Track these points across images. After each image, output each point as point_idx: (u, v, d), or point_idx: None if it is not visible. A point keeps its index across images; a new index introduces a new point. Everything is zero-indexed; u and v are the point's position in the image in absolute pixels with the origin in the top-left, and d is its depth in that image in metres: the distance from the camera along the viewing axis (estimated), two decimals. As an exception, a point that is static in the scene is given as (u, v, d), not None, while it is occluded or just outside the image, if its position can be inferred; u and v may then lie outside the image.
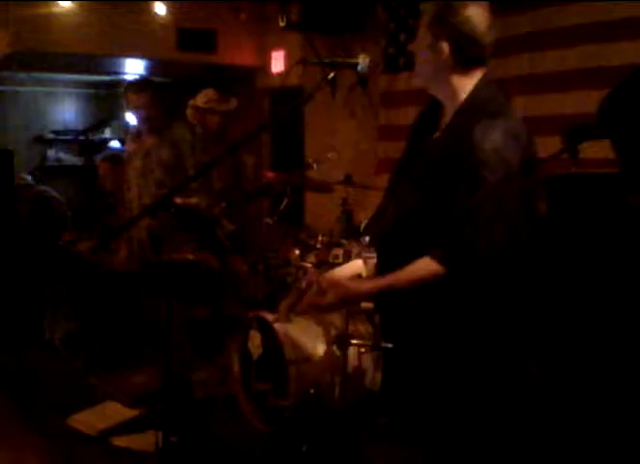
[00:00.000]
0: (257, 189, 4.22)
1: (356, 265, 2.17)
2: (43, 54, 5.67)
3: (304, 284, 2.04)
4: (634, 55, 3.43)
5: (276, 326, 3.15)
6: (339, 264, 2.96)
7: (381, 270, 2.05)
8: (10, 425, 3.54)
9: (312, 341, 3.11)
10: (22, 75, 6.91)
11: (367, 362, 2.95)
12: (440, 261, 1.85)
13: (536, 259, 2.01)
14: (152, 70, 6.58)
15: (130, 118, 4.20)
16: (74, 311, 4.53)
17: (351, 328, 2.78)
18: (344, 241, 3.35)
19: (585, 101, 3.44)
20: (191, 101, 4.14)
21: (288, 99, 5.27)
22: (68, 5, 5.40)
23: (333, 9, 5.17)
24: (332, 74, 2.11)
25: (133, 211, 3.99)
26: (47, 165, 7.23)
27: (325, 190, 4.11)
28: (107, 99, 7.60)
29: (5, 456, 3.20)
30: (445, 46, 1.91)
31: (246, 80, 6.51)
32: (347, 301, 1.99)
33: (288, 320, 2.57)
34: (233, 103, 4.18)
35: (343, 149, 5.15)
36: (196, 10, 5.87)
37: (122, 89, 4.39)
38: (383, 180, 4.94)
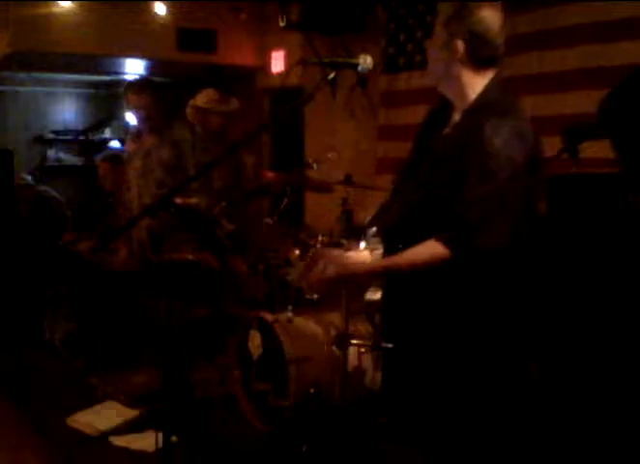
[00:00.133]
0: (257, 189, 4.21)
1: (362, 255, 2.18)
2: (43, 54, 5.67)
3: (309, 259, 2.06)
4: (634, 55, 3.43)
5: (276, 326, 3.15)
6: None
7: None
8: (10, 425, 3.54)
9: (312, 341, 3.11)
10: (22, 75, 6.91)
11: (367, 362, 2.95)
12: (445, 243, 1.84)
13: (536, 259, 2.01)
14: (152, 70, 6.57)
15: (131, 118, 4.20)
16: (74, 311, 4.53)
17: (351, 328, 2.78)
18: (344, 241, 3.35)
19: (585, 101, 3.44)
20: (192, 101, 4.14)
21: (288, 99, 5.27)
22: (68, 5, 5.40)
23: (333, 9, 5.17)
24: (332, 74, 2.10)
25: (133, 211, 3.99)
26: (47, 165, 7.23)
27: (325, 190, 4.10)
28: (107, 99, 7.60)
29: (5, 456, 3.20)
30: (460, 45, 1.94)
31: (246, 80, 6.51)
32: (346, 275, 2.00)
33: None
34: (234, 104, 4.18)
35: (343, 149, 5.15)
36: (196, 10, 5.87)
37: (122, 89, 4.39)
38: (383, 180, 4.97)
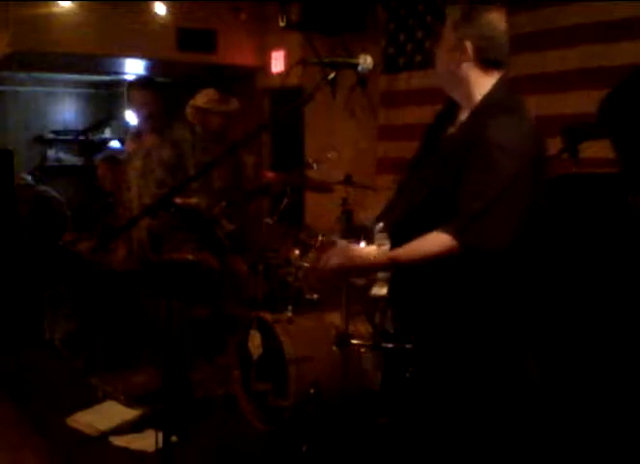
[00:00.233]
0: (257, 189, 4.21)
1: (368, 248, 2.18)
2: (43, 54, 5.67)
3: (318, 250, 2.08)
4: (634, 55, 3.43)
5: (276, 326, 3.15)
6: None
7: None
8: (10, 425, 3.54)
9: (312, 341, 3.11)
10: (22, 75, 6.92)
11: (367, 362, 2.95)
12: (450, 233, 1.86)
13: (536, 258, 2.02)
14: (152, 70, 6.57)
15: (131, 118, 4.20)
16: (74, 311, 4.53)
17: (351, 328, 2.78)
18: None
19: (585, 101, 3.44)
20: (191, 101, 4.14)
21: (288, 99, 5.27)
22: (68, 5, 5.40)
23: (333, 9, 5.17)
24: (332, 74, 2.11)
25: (133, 211, 3.99)
26: (47, 165, 7.24)
27: (325, 190, 4.10)
28: (107, 99, 7.61)
29: (5, 456, 3.20)
30: (469, 46, 1.98)
31: (246, 80, 6.51)
32: (351, 267, 2.02)
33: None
34: (234, 104, 4.17)
35: (343, 149, 5.14)
36: (196, 10, 5.87)
37: (122, 89, 4.40)
38: (383, 180, 4.97)
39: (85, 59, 6.02)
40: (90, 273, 4.35)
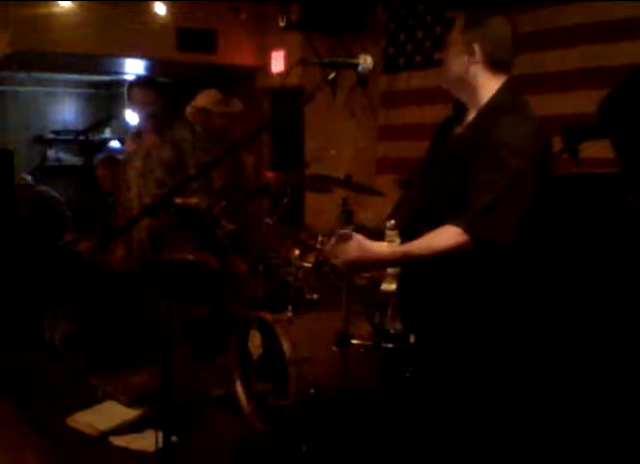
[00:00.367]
0: (257, 189, 4.21)
1: (380, 243, 2.19)
2: (43, 54, 5.66)
3: (334, 240, 2.09)
4: (634, 55, 3.43)
5: (276, 326, 3.15)
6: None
7: None
8: (10, 425, 3.54)
9: (312, 341, 3.11)
10: (22, 75, 6.91)
11: (367, 361, 2.95)
12: (460, 226, 1.88)
13: (536, 258, 2.02)
14: (152, 70, 6.57)
15: (131, 117, 4.20)
16: (74, 311, 4.52)
17: (351, 328, 2.78)
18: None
19: (585, 101, 3.44)
20: (193, 102, 4.13)
21: (288, 99, 5.27)
22: (68, 5, 5.39)
23: (333, 9, 5.17)
24: (332, 74, 2.11)
25: (133, 211, 3.99)
26: (47, 165, 7.23)
27: (325, 190, 4.10)
28: (107, 99, 7.60)
29: (5, 456, 3.20)
30: (477, 49, 2.04)
31: (246, 80, 6.51)
32: (366, 261, 2.02)
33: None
34: (238, 106, 4.18)
35: (343, 149, 5.15)
36: (196, 10, 5.87)
37: (122, 89, 4.40)
38: (383, 180, 4.97)
39: (85, 59, 6.01)
40: (90, 273, 4.35)
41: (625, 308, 2.57)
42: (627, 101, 2.13)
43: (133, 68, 6.50)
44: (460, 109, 2.17)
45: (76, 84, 7.50)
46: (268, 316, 3.22)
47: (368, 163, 5.36)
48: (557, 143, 2.58)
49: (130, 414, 3.49)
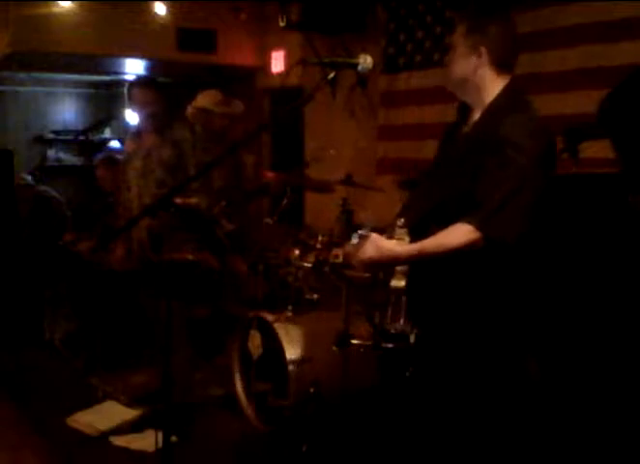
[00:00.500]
0: (257, 189, 4.21)
1: (392, 241, 2.20)
2: (43, 54, 5.67)
3: (355, 241, 2.12)
4: (634, 55, 3.43)
5: (276, 326, 3.15)
6: (340, 264, 2.96)
7: None
8: (10, 425, 3.54)
9: (312, 341, 3.11)
10: (22, 75, 6.92)
11: (367, 362, 2.95)
12: (473, 224, 1.91)
13: (537, 257, 2.03)
14: (152, 70, 6.58)
15: (131, 117, 4.20)
16: (74, 311, 4.52)
17: (351, 328, 2.78)
18: (344, 241, 3.34)
19: (585, 101, 3.44)
20: (194, 102, 4.13)
21: (288, 99, 5.27)
22: (68, 5, 5.40)
23: (333, 9, 5.17)
24: (332, 74, 2.11)
25: (133, 211, 3.98)
26: (47, 165, 7.24)
27: (325, 190, 4.10)
28: (107, 99, 7.61)
29: (5, 456, 3.20)
30: (482, 50, 2.06)
31: (246, 80, 6.51)
32: (383, 259, 2.05)
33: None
34: (239, 107, 4.18)
35: (343, 149, 5.15)
36: (196, 10, 5.87)
37: (122, 89, 4.40)
38: (383, 180, 4.97)
39: (85, 59, 6.02)
40: (90, 273, 4.35)
41: (626, 308, 2.57)
42: (627, 101, 2.13)
43: (133, 68, 6.51)
44: (465, 111, 2.19)
45: (76, 84, 7.50)
46: (268, 316, 3.22)
47: (368, 163, 5.36)
48: (557, 143, 2.58)
49: (130, 414, 3.49)
